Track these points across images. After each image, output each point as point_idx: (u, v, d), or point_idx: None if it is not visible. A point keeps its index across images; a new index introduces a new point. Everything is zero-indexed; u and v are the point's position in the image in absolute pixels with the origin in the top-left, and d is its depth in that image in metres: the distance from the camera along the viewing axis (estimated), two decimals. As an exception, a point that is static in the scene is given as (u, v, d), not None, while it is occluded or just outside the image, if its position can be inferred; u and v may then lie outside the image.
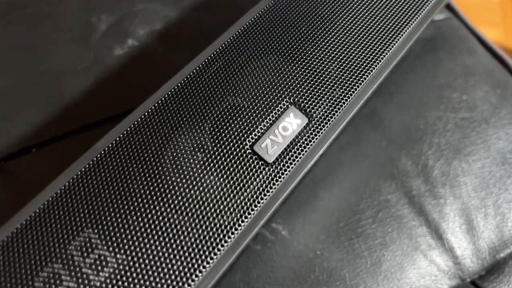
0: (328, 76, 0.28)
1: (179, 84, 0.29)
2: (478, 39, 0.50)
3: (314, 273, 0.34)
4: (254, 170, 0.24)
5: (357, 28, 0.32)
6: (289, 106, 0.26)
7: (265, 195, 0.23)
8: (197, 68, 0.30)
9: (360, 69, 0.29)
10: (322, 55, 0.30)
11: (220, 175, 0.24)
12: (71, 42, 0.42)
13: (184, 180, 0.24)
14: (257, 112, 0.26)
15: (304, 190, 0.38)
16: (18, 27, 0.43)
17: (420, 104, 0.43)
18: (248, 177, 0.24)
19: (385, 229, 0.37)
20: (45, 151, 0.38)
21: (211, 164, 0.25)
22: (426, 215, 0.38)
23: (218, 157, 0.25)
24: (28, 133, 0.38)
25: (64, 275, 0.21)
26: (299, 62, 0.29)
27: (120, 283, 0.21)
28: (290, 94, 0.27)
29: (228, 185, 0.24)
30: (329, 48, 0.30)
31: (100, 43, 0.43)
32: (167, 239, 0.22)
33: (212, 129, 0.26)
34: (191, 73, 0.30)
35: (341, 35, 0.31)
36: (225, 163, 0.25)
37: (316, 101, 0.27)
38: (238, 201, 0.23)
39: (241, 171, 0.24)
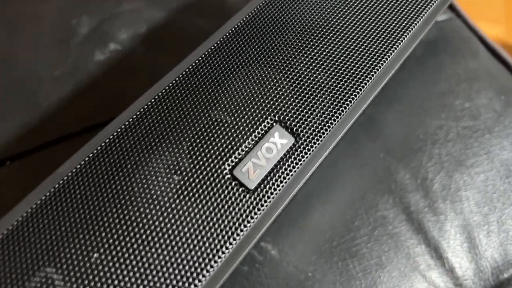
0: (318, 89, 0.26)
1: (156, 97, 0.27)
2: (482, 41, 0.47)
3: (305, 296, 0.32)
4: (233, 197, 0.22)
5: (351, 34, 0.29)
6: (274, 124, 0.24)
7: (245, 226, 0.21)
8: (177, 78, 0.28)
9: (353, 80, 0.27)
10: (312, 65, 0.27)
11: (197, 202, 0.22)
12: (49, 46, 0.40)
13: (157, 208, 0.22)
14: (238, 131, 0.24)
15: (296, 206, 0.35)
16: (-7, 30, 0.40)
17: (421, 112, 0.41)
18: (227, 205, 0.21)
19: (381, 248, 0.34)
20: (20, 164, 0.36)
21: (188, 189, 0.22)
22: (425, 232, 0.35)
23: (197, 181, 0.23)
24: (1, 144, 0.36)
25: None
26: (287, 74, 0.26)
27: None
28: (275, 111, 0.24)
29: (205, 214, 0.22)
30: (320, 56, 0.28)
31: (80, 48, 0.40)
32: (137, 278, 0.20)
33: (190, 148, 0.24)
34: (170, 84, 0.27)
35: (334, 42, 0.29)
36: (203, 187, 0.22)
37: (304, 118, 0.24)
38: (216, 232, 0.21)
39: (219, 199, 0.22)
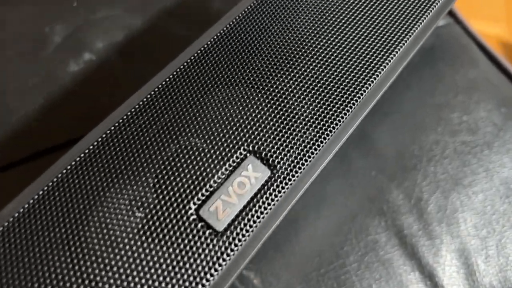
0: (299, 112, 0.23)
1: (121, 120, 0.24)
2: (482, 49, 0.45)
3: (289, 329, 0.30)
4: (199, 241, 0.19)
5: (340, 46, 0.27)
6: (248, 155, 0.21)
7: (211, 275, 0.19)
8: (147, 97, 0.25)
9: (340, 101, 0.24)
10: (295, 83, 0.25)
11: (160, 244, 0.20)
12: (19, 56, 0.37)
13: (115, 250, 0.19)
14: (207, 164, 0.21)
15: (281, 229, 0.33)
16: (-41, 39, 0.38)
17: (416, 125, 0.38)
18: (192, 250, 0.19)
19: (372, 276, 0.32)
20: (-14, 184, 0.33)
21: (152, 228, 0.20)
22: (419, 258, 0.33)
23: (162, 219, 0.20)
24: (-35, 164, 0.33)
25: None
26: (265, 94, 0.24)
27: None
28: (250, 139, 0.22)
29: (170, 259, 0.19)
30: (304, 73, 0.25)
31: (53, 58, 0.38)
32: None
33: (156, 180, 0.22)
34: (138, 106, 0.25)
35: (320, 56, 0.26)
36: (168, 227, 0.20)
37: (282, 147, 0.22)
38: (182, 280, 0.19)
39: (184, 242, 0.19)
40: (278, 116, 0.23)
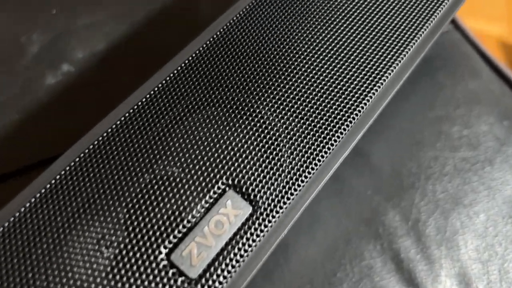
0: (284, 140, 0.21)
1: (91, 146, 0.22)
2: (483, 57, 0.42)
3: None
4: (172, 289, 0.17)
5: (333, 61, 0.25)
6: (227, 189, 0.19)
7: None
8: (121, 119, 0.23)
9: (329, 126, 0.22)
10: (279, 106, 0.23)
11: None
12: (-8, 68, 0.35)
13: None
14: (181, 201, 0.19)
15: (270, 255, 0.31)
16: None
17: (413, 141, 0.36)
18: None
19: (366, 304, 0.30)
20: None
21: (121, 272, 0.18)
22: (417, 284, 0.31)
23: (132, 260, 0.18)
24: None
25: None
26: (247, 120, 0.22)
27: None
28: (230, 171, 0.20)
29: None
30: (291, 95, 0.23)
31: (29, 70, 0.35)
32: None
33: (127, 216, 0.20)
34: (110, 129, 0.23)
35: (308, 75, 0.24)
36: (137, 271, 0.18)
37: (265, 179, 0.20)
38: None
39: (155, 291, 0.17)
40: (261, 143, 0.21)
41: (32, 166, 0.32)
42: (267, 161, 0.20)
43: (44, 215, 0.19)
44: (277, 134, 0.22)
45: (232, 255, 0.18)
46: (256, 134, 0.21)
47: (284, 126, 0.22)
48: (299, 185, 0.20)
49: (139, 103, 0.23)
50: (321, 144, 0.22)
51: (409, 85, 0.39)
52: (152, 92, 0.24)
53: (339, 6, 0.28)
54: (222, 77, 0.24)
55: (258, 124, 0.21)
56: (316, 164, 0.21)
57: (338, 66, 0.25)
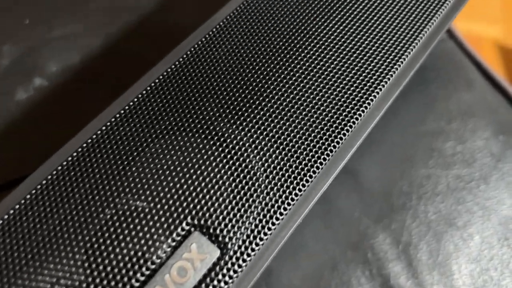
0: (257, 172, 0.19)
1: (49, 177, 0.20)
2: (478, 67, 0.41)
3: None
4: None
5: (318, 78, 0.23)
6: (192, 230, 0.17)
7: None
8: (80, 148, 0.21)
9: (312, 149, 0.20)
10: (254, 132, 0.21)
11: None
12: (-42, 84, 0.33)
13: None
14: (140, 244, 0.17)
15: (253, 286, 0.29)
16: None
17: (405, 158, 0.34)
18: None
19: (353, 336, 0.28)
20: None
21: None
22: (408, 313, 0.29)
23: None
24: None
25: None
26: (217, 146, 0.20)
27: None
28: (196, 209, 0.18)
29: None
30: (266, 119, 0.21)
31: (-2, 84, 0.33)
32: None
33: (85, 258, 0.18)
34: (71, 157, 0.21)
35: (286, 97, 0.22)
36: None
37: (236, 218, 0.18)
38: None
39: None
40: (233, 175, 0.19)
41: (2, 186, 0.30)
42: (238, 196, 0.18)
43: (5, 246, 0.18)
44: (251, 163, 0.20)
45: (196, 306, 0.16)
46: (227, 163, 0.19)
47: (259, 154, 0.20)
48: (273, 223, 0.18)
49: (99, 132, 0.21)
50: (301, 173, 0.20)
51: (399, 98, 0.37)
52: (113, 119, 0.22)
53: (323, 19, 0.26)
54: (194, 98, 0.22)
55: (228, 151, 0.20)
56: (293, 199, 0.19)
57: (322, 78, 0.23)
